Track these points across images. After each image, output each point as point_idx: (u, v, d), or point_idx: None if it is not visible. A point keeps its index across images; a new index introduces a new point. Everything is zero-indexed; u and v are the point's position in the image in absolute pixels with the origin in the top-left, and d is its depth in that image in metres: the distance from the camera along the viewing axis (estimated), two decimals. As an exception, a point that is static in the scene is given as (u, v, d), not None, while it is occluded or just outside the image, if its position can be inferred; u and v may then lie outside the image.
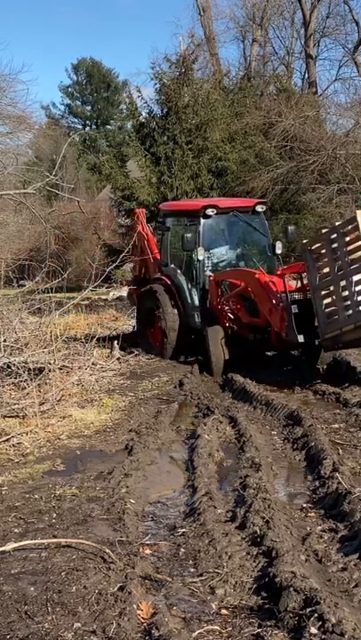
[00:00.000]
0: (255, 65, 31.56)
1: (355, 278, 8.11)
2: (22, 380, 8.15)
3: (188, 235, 10.24)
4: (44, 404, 8.01)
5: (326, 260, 8.43)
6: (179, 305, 10.71)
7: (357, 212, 7.96)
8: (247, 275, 9.66)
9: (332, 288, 8.33)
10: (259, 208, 10.69)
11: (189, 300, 10.61)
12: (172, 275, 11.00)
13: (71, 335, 11.19)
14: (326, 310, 8.44)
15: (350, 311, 8.12)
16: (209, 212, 10.37)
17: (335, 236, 8.33)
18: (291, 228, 11.08)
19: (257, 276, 9.30)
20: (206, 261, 10.49)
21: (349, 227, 8.17)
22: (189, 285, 10.66)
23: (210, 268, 10.51)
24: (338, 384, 8.54)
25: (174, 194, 23.15)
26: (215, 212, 10.43)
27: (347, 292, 8.21)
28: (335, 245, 8.23)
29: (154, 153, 23.48)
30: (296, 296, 8.92)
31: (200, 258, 10.33)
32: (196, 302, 10.50)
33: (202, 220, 10.43)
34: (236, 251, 10.88)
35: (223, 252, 10.87)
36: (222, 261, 10.67)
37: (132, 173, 24.83)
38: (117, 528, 4.48)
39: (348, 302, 8.17)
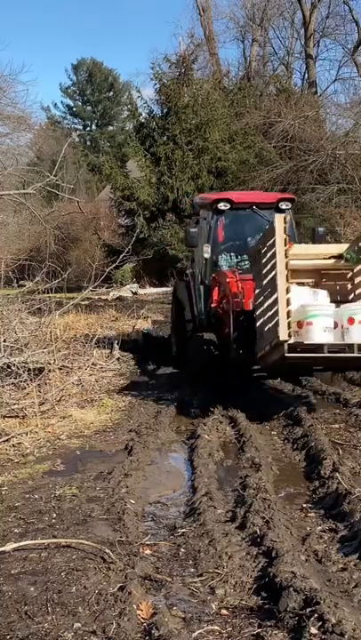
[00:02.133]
0: (255, 65, 31.59)
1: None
2: (22, 380, 8.15)
3: (193, 229, 9.68)
4: (43, 404, 8.01)
5: (257, 267, 7.33)
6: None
7: (277, 215, 6.97)
8: (223, 276, 8.70)
9: (261, 299, 7.12)
10: (283, 205, 9.30)
11: (194, 301, 9.83)
12: (191, 272, 10.34)
13: (71, 335, 11.20)
14: (257, 325, 7.14)
15: (268, 326, 6.84)
16: (221, 206, 9.39)
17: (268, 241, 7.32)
18: (320, 229, 9.81)
19: (228, 279, 8.37)
20: (225, 261, 9.53)
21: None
22: (197, 285, 9.81)
23: (227, 268, 9.34)
24: (338, 384, 8.55)
25: (174, 194, 23.17)
26: (229, 206, 9.43)
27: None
28: (264, 250, 7.13)
29: (154, 153, 23.50)
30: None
31: (206, 256, 9.47)
32: (202, 305, 9.54)
33: (213, 215, 9.49)
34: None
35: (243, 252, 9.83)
36: (244, 261, 9.45)
37: (132, 173, 24.86)
38: (117, 528, 4.48)
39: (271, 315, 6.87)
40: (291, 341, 6.55)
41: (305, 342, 6.75)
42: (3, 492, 5.36)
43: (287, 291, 6.59)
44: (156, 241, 24.30)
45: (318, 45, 30.44)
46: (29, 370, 8.32)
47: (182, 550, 4.21)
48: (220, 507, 4.86)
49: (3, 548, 4.11)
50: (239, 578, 3.76)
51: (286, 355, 6.58)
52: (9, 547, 4.12)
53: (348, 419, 7.26)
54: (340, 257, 7.59)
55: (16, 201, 14.85)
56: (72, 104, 54.10)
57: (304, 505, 5.01)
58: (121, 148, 30.20)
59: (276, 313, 6.56)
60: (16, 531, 4.54)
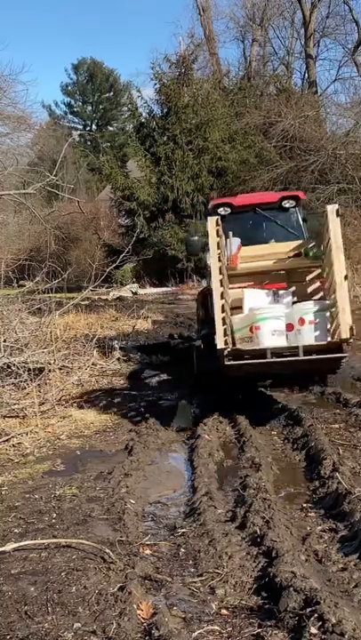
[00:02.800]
0: (255, 65, 31.59)
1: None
2: (22, 380, 8.16)
3: (193, 238, 9.33)
4: (43, 404, 8.02)
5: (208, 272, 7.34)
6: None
7: (209, 218, 6.74)
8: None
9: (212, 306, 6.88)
10: (286, 204, 8.83)
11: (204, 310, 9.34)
12: None
13: (71, 335, 11.19)
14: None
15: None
16: (221, 211, 9.00)
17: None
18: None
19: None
20: None
21: None
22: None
23: None
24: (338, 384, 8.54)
25: (174, 194, 23.18)
26: (229, 210, 9.06)
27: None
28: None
29: (154, 153, 23.51)
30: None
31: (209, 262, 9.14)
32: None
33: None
34: None
35: None
36: None
37: (132, 173, 24.86)
38: (117, 528, 4.48)
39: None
40: (246, 348, 6.42)
41: (250, 348, 6.45)
42: (3, 492, 5.36)
43: (222, 296, 6.35)
44: (156, 241, 24.30)
45: (318, 45, 30.48)
46: (29, 370, 8.33)
47: (182, 550, 4.21)
48: (220, 506, 4.86)
49: (3, 548, 4.11)
50: (239, 578, 3.76)
51: (227, 363, 6.35)
52: (9, 547, 4.12)
53: (348, 419, 7.26)
54: (299, 255, 7.36)
55: (16, 201, 14.85)
56: (72, 104, 54.12)
57: (304, 505, 5.01)
58: (121, 148, 30.20)
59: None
60: (16, 531, 4.54)
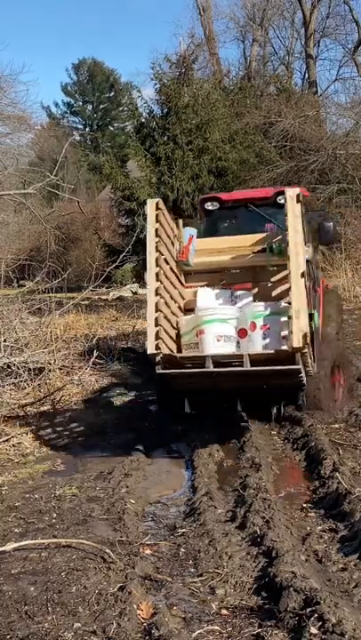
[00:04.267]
0: (255, 65, 31.57)
1: None
2: (22, 380, 8.16)
3: None
4: (44, 404, 8.02)
5: None
6: None
7: (149, 201, 6.02)
8: None
9: None
10: (281, 200, 7.60)
11: None
12: None
13: (71, 335, 11.19)
14: None
15: None
16: (208, 206, 8.50)
17: None
18: (327, 224, 7.99)
19: None
20: None
21: None
22: None
23: None
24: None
25: (175, 194, 23.16)
26: (217, 205, 8.49)
27: None
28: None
29: (154, 153, 23.50)
30: None
31: None
32: None
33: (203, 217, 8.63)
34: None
35: None
36: None
37: (132, 173, 24.85)
38: (117, 528, 4.48)
39: None
40: (188, 354, 5.78)
41: (187, 355, 5.79)
42: (3, 492, 5.36)
43: (157, 292, 5.62)
44: (157, 241, 24.23)
45: (318, 45, 30.46)
46: (29, 370, 8.33)
47: (182, 550, 4.21)
48: (220, 506, 4.86)
49: (3, 548, 4.11)
50: (239, 578, 3.76)
51: (158, 372, 5.55)
52: (9, 546, 4.12)
53: (348, 419, 7.25)
54: (263, 250, 6.49)
55: (16, 201, 14.85)
56: (72, 104, 54.12)
57: (304, 505, 5.01)
58: (121, 148, 30.16)
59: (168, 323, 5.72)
60: (16, 530, 4.54)
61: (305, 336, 5.27)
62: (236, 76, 29.75)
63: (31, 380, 8.17)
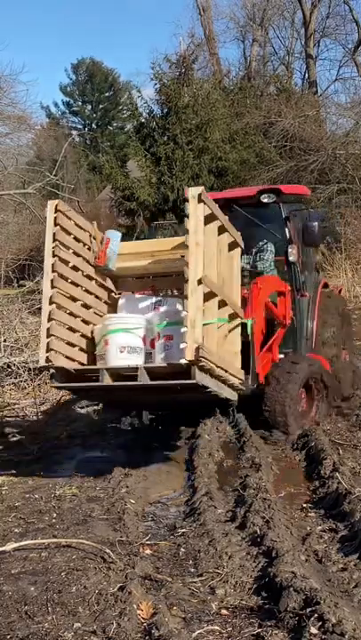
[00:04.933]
0: (255, 65, 31.55)
1: None
2: (22, 380, 8.16)
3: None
4: (44, 403, 8.02)
5: None
6: None
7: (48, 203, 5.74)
8: None
9: None
10: (265, 198, 7.58)
11: None
12: None
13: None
14: None
15: None
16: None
17: None
18: (311, 225, 7.46)
19: None
20: None
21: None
22: None
23: None
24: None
25: (175, 194, 23.16)
26: None
27: None
28: None
29: (154, 153, 23.50)
30: None
31: None
32: None
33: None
34: (244, 257, 7.92)
35: None
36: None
37: (132, 173, 24.84)
38: (117, 528, 4.48)
39: None
40: (81, 368, 5.50)
41: (82, 368, 5.51)
42: (3, 492, 5.36)
43: (50, 300, 5.30)
44: (156, 241, 24.23)
45: (318, 45, 30.42)
46: (29, 370, 8.33)
47: (182, 550, 4.21)
48: (220, 506, 4.86)
49: (3, 548, 4.11)
50: (239, 578, 3.76)
51: (52, 385, 5.52)
52: (9, 546, 4.12)
53: (348, 419, 7.26)
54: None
55: (16, 201, 14.86)
56: (72, 104, 54.12)
57: (304, 505, 5.01)
58: (121, 148, 30.15)
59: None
60: (16, 530, 4.54)
61: (198, 349, 4.84)
62: (236, 76, 29.73)
63: (31, 379, 8.17)
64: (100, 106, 53.36)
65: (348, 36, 29.51)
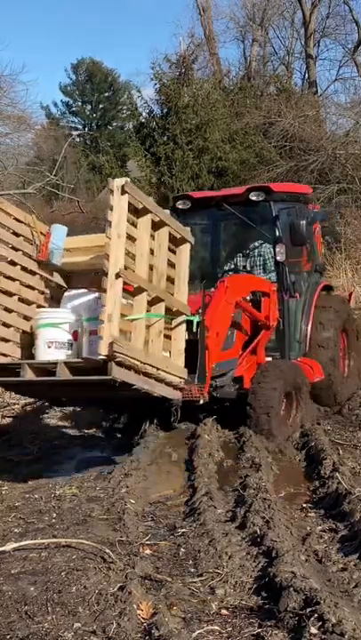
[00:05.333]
0: (255, 65, 31.54)
1: None
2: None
3: None
4: (44, 402, 8.01)
5: None
6: None
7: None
8: None
9: None
10: (253, 197, 7.36)
11: None
12: None
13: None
14: None
15: None
16: (180, 205, 7.81)
17: None
18: (297, 223, 7.22)
19: None
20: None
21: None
22: None
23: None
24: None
25: (175, 194, 23.16)
26: (188, 204, 7.75)
27: None
28: None
29: (154, 153, 23.50)
30: None
31: None
32: None
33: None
34: (236, 258, 8.10)
35: (220, 260, 8.37)
36: (224, 272, 7.92)
37: (132, 173, 24.85)
38: (117, 528, 4.48)
39: None
40: (35, 361, 5.42)
41: (6, 363, 5.51)
42: (3, 492, 5.36)
43: None
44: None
45: (318, 45, 30.41)
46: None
47: (182, 550, 4.21)
48: (220, 506, 4.86)
49: (3, 548, 4.11)
50: (239, 578, 3.76)
51: None
52: (9, 546, 4.12)
53: (348, 419, 7.26)
54: None
55: (16, 201, 14.85)
56: (72, 104, 54.14)
57: (304, 505, 5.01)
58: (121, 148, 30.15)
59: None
60: (16, 530, 4.54)
61: (112, 344, 4.73)
62: (236, 76, 29.72)
63: None
64: (100, 106, 53.37)
65: (348, 36, 29.51)
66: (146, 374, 5.23)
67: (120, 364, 4.87)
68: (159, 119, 23.92)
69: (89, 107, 54.38)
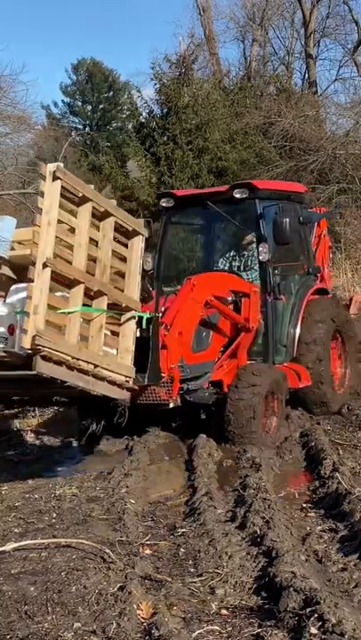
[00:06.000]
0: (255, 65, 31.54)
1: None
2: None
3: None
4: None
5: None
6: None
7: None
8: None
9: None
10: (237, 194, 7.13)
11: None
12: None
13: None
14: None
15: None
16: (163, 203, 7.58)
17: None
18: (281, 220, 6.85)
19: None
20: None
21: None
22: None
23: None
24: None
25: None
26: (172, 202, 7.53)
27: None
28: None
29: (154, 153, 23.50)
30: None
31: (146, 267, 7.26)
32: None
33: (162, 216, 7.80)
34: (222, 257, 7.88)
35: (205, 260, 8.16)
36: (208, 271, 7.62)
37: (132, 173, 24.85)
38: (117, 528, 4.48)
39: None
40: None
41: None
42: (3, 492, 5.36)
43: None
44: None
45: (318, 45, 30.39)
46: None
47: (182, 550, 4.21)
48: (220, 506, 4.86)
49: (3, 548, 4.11)
50: (239, 578, 3.76)
51: None
52: (9, 546, 4.12)
53: (348, 419, 7.26)
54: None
55: (16, 201, 14.84)
56: (72, 104, 54.16)
57: (304, 505, 5.01)
58: (121, 147, 30.16)
59: None
60: (16, 530, 4.54)
61: (34, 337, 4.49)
62: (236, 76, 29.71)
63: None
64: (100, 106, 53.38)
65: (348, 36, 29.49)
66: (81, 371, 4.93)
67: (47, 359, 4.59)
68: (159, 119, 23.92)
69: (89, 107, 54.39)
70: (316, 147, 20.09)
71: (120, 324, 5.52)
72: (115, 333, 5.50)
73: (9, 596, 3.57)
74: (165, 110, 23.78)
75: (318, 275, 8.11)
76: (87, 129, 53.09)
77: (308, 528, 4.52)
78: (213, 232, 8.21)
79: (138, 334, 5.59)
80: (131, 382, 5.46)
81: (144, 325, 5.62)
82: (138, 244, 5.68)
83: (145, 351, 5.60)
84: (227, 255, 7.76)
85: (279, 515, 4.50)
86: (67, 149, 17.47)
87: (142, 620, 3.29)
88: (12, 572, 3.86)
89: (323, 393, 7.33)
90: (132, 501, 4.99)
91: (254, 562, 3.90)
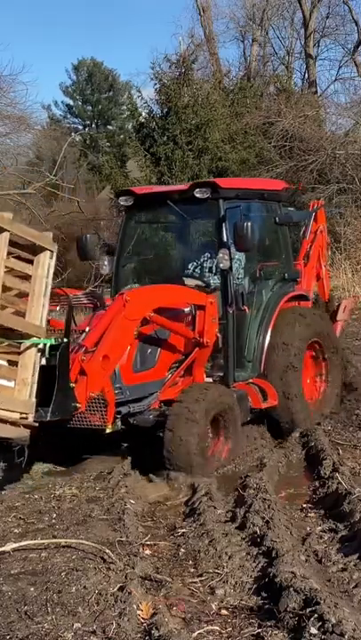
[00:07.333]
0: (255, 65, 31.56)
1: None
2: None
3: (89, 235, 7.29)
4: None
5: None
6: None
7: None
8: None
9: None
10: (198, 193, 6.46)
11: None
12: None
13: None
14: None
15: None
16: (122, 201, 7.06)
17: None
18: (241, 225, 6.14)
19: None
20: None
21: None
22: None
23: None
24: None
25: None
26: (131, 201, 6.98)
27: None
28: None
29: (154, 153, 23.50)
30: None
31: (102, 271, 7.29)
32: None
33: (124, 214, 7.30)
34: (183, 261, 7.31)
35: (164, 264, 7.63)
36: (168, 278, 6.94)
37: (132, 173, 24.85)
38: (117, 528, 4.48)
39: None
40: None
41: None
42: (3, 492, 5.36)
43: None
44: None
45: (318, 45, 30.44)
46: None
47: (182, 550, 4.21)
48: (220, 507, 4.86)
49: (3, 548, 4.11)
50: (239, 578, 3.76)
51: None
52: (9, 547, 4.12)
53: (348, 419, 7.26)
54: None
55: (16, 201, 14.85)
56: (72, 104, 54.18)
57: (304, 505, 5.01)
58: (121, 147, 30.18)
59: None
60: (16, 531, 4.54)
61: None
62: (235, 76, 29.71)
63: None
64: (100, 106, 53.39)
65: (348, 36, 29.52)
66: None
67: None
68: (159, 119, 23.91)
69: (89, 107, 54.39)
70: (316, 147, 20.09)
71: (19, 353, 4.86)
72: (13, 363, 4.86)
73: (9, 596, 3.57)
74: (165, 110, 23.77)
75: (297, 280, 7.38)
76: (87, 129, 53.11)
77: (308, 528, 4.52)
78: (179, 233, 7.56)
79: (44, 362, 4.96)
80: (30, 418, 4.86)
81: (47, 354, 4.96)
82: (45, 260, 4.98)
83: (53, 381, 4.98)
84: (193, 258, 7.10)
85: (279, 515, 4.50)
86: (66, 149, 17.47)
87: (142, 621, 3.29)
88: (12, 572, 3.86)
89: (291, 412, 6.71)
90: (132, 501, 4.99)
91: (254, 562, 3.90)
